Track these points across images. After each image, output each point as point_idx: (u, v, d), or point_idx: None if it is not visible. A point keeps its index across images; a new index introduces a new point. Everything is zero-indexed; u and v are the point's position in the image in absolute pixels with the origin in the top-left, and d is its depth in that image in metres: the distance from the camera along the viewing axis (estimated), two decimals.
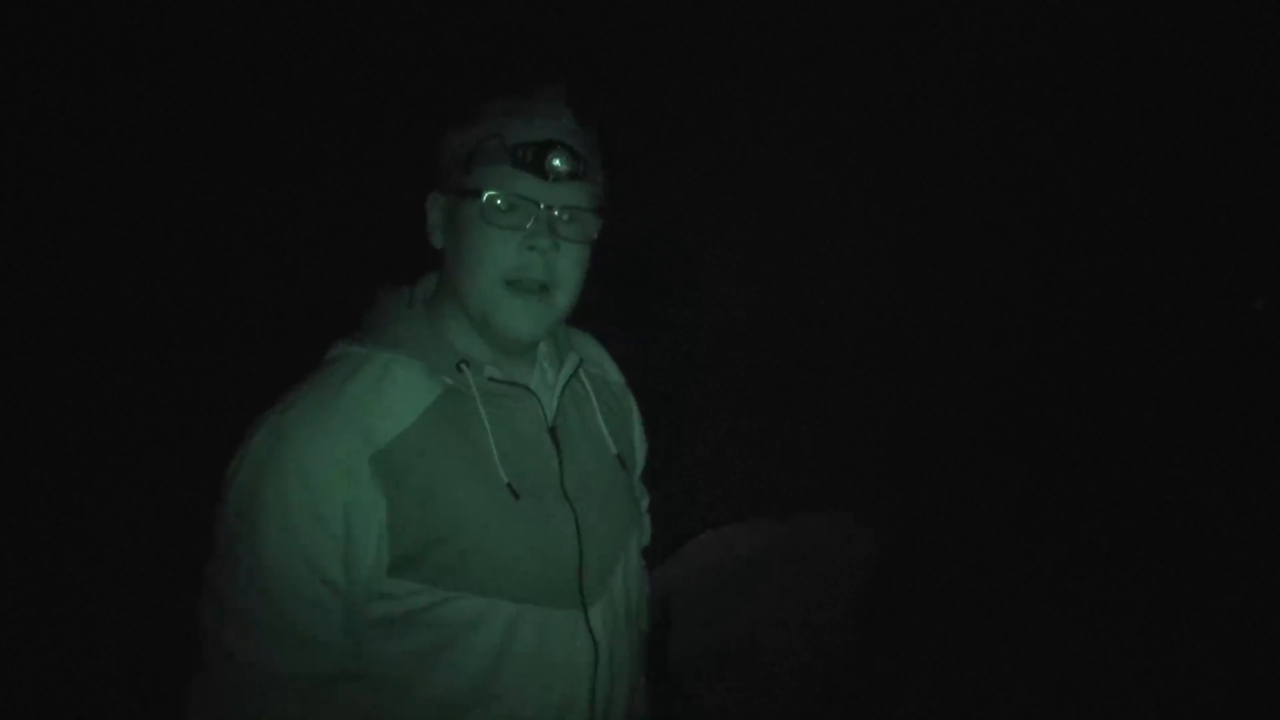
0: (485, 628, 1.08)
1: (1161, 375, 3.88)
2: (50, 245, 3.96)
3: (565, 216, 1.09)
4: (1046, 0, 4.10)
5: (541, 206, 1.07)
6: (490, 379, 1.12)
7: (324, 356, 1.15)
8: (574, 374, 1.23)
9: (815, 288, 4.34)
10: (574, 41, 4.07)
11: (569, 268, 1.10)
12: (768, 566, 2.69)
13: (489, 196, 1.06)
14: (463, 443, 1.09)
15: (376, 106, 4.11)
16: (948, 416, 3.94)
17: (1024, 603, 3.25)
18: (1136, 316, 4.03)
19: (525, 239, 1.07)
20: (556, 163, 1.07)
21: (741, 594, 2.61)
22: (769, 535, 2.78)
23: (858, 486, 3.67)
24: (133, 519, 3.30)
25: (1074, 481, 3.69)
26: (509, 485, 1.09)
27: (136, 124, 4.07)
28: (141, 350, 3.96)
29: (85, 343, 3.92)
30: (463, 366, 1.11)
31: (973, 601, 3.26)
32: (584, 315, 1.33)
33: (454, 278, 1.12)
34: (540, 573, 1.11)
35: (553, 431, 1.17)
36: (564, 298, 1.12)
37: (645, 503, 1.45)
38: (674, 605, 2.32)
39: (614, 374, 1.38)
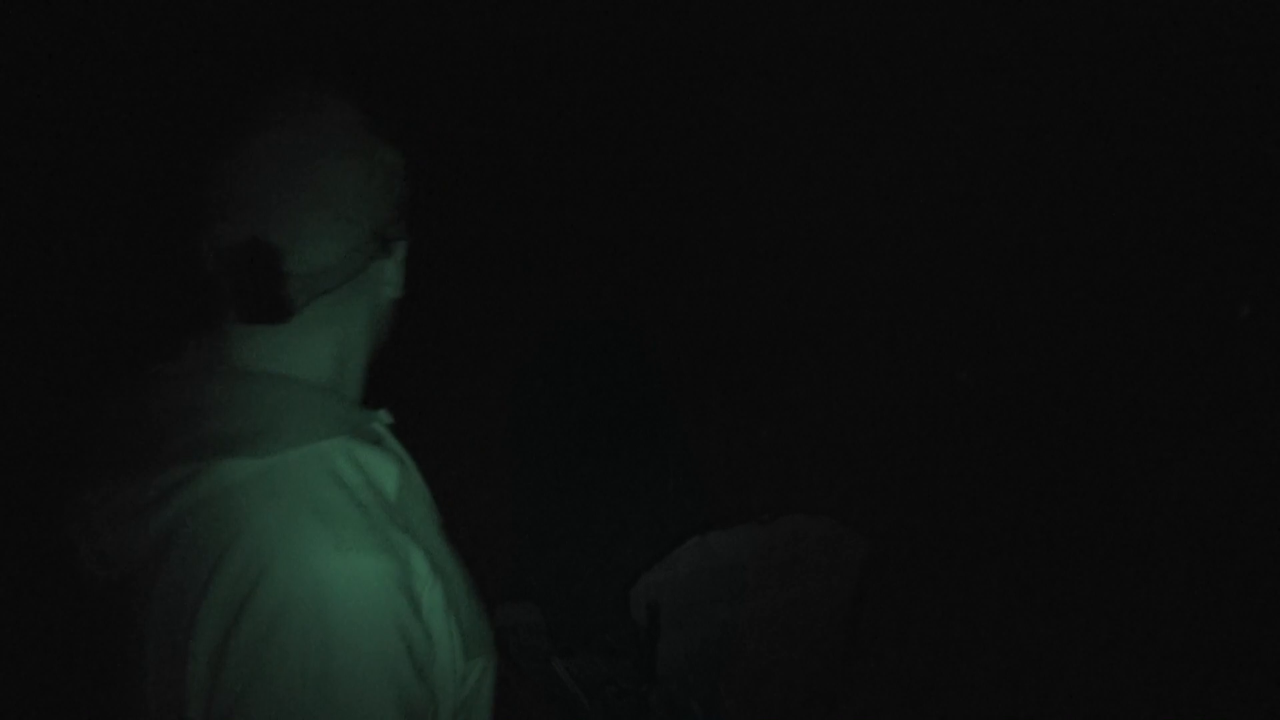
0: (486, 689, 1.05)
1: (1150, 378, 3.91)
2: (46, 246, 3.91)
3: None
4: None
5: None
6: None
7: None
8: None
9: (798, 290, 4.35)
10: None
11: None
12: (754, 572, 2.68)
13: None
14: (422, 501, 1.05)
15: None
16: (933, 420, 3.96)
17: (1012, 606, 3.26)
18: (1122, 320, 4.06)
19: None
20: None
21: (728, 600, 2.60)
22: (755, 541, 2.77)
23: (843, 491, 3.68)
24: None
25: (1062, 485, 3.71)
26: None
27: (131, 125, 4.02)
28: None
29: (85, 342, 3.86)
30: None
31: (961, 605, 3.27)
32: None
33: None
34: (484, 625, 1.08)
35: None
36: None
37: None
38: (661, 612, 2.31)
39: None
